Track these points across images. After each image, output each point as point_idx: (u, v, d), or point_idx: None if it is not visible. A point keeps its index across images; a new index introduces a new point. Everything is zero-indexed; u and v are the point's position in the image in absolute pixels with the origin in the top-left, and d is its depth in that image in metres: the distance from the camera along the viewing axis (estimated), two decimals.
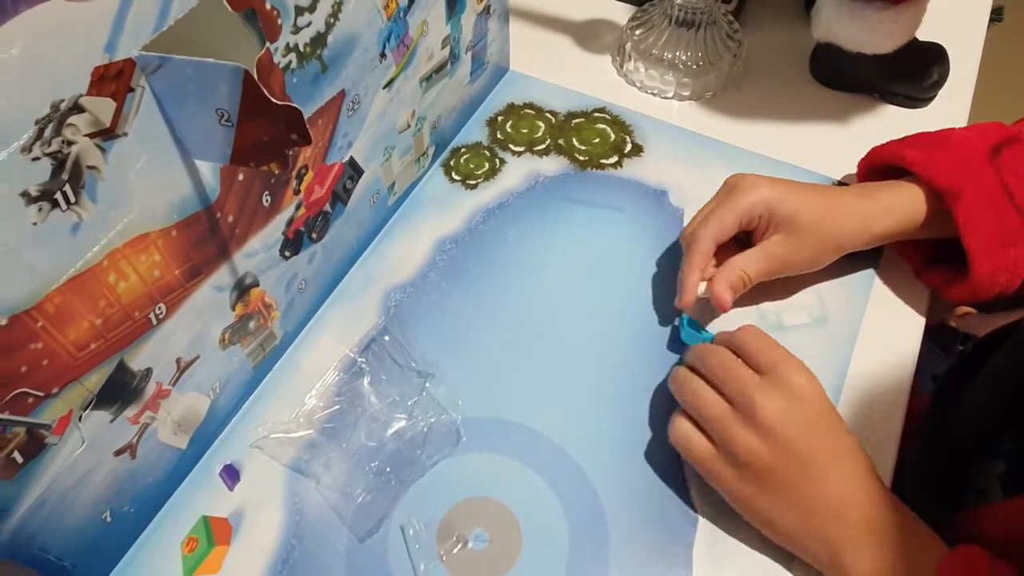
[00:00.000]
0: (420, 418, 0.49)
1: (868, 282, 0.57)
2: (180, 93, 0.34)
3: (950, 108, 0.68)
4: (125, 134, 0.33)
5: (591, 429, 0.50)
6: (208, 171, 0.39)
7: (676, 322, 0.55)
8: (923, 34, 0.65)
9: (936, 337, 0.78)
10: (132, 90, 0.33)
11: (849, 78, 0.69)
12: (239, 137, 0.35)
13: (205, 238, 0.41)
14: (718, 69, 0.69)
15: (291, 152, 0.35)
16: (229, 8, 0.36)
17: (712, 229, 0.53)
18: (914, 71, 0.67)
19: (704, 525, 0.46)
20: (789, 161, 0.64)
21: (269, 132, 0.34)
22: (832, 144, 0.66)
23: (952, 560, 0.40)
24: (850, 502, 0.42)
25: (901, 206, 0.53)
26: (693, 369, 0.47)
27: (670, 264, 0.58)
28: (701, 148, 0.66)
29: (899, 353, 0.54)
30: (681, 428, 0.46)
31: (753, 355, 0.45)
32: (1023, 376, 0.53)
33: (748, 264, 0.52)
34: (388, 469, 0.47)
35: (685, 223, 0.61)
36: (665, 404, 0.51)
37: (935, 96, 0.68)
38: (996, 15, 1.20)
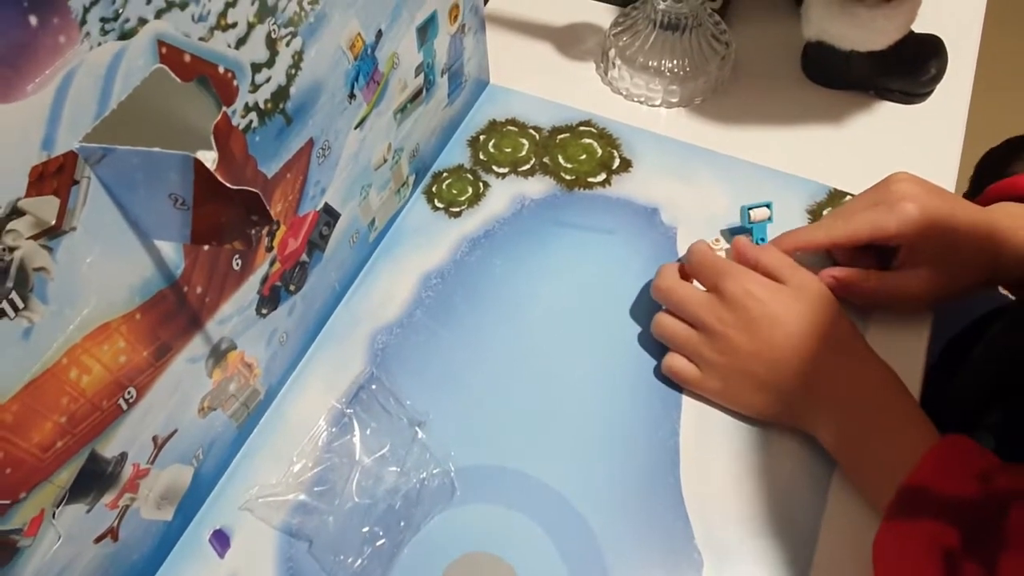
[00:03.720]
0: (412, 474, 0.48)
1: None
2: (129, 181, 0.32)
3: (948, 103, 0.66)
4: (73, 228, 0.31)
5: (591, 471, 0.49)
6: (169, 247, 0.37)
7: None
8: (918, 25, 0.62)
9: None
10: (77, 182, 0.31)
11: (843, 76, 0.66)
12: (197, 220, 0.33)
13: (173, 314, 0.39)
14: (706, 73, 0.66)
15: (254, 231, 0.33)
16: (178, 80, 0.34)
17: (836, 233, 0.51)
18: (910, 66, 0.64)
19: (710, 572, 0.45)
20: (785, 170, 0.61)
21: (227, 214, 0.32)
22: (828, 146, 0.64)
23: (941, 448, 0.42)
24: (822, 376, 0.46)
25: None
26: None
27: None
28: (692, 159, 0.63)
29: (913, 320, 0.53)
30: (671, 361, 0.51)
31: (702, 279, 0.51)
32: (1014, 353, 0.52)
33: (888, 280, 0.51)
34: (381, 532, 0.46)
35: (678, 242, 0.59)
36: (669, 438, 0.50)
37: (933, 91, 0.66)
38: None
